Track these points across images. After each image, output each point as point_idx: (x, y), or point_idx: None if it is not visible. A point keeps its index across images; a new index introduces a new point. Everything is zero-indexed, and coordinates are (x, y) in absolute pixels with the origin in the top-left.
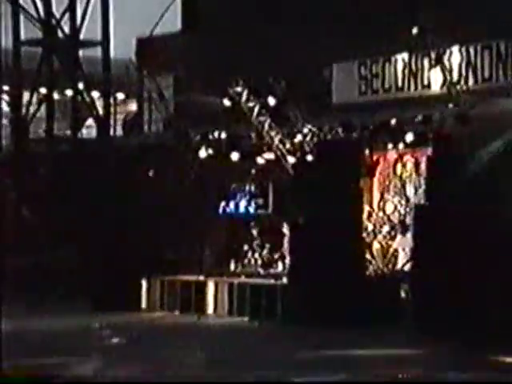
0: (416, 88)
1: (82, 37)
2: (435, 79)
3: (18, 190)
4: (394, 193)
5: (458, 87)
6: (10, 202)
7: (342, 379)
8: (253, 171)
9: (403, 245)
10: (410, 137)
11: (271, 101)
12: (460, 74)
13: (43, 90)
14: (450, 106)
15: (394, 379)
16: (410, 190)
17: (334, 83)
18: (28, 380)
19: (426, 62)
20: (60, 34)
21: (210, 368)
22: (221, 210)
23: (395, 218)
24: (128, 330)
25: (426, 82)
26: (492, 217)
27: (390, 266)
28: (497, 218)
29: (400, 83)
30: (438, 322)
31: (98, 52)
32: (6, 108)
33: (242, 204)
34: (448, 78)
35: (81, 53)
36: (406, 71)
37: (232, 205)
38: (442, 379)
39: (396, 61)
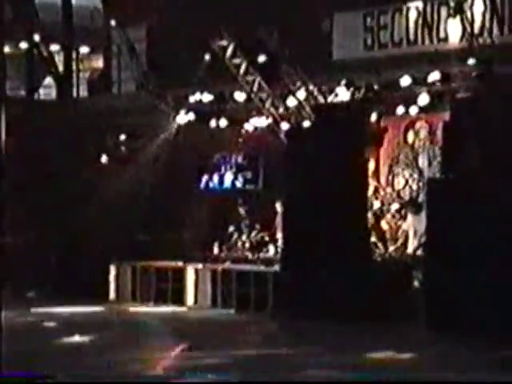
0: (431, 42)
1: None
2: (454, 31)
3: None
4: (404, 165)
5: (481, 40)
6: None
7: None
8: (240, 139)
9: (415, 226)
10: (423, 99)
11: (261, 57)
12: (483, 26)
13: None
14: (471, 62)
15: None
16: (423, 162)
17: (334, 36)
18: (23, 380)
19: (443, 11)
20: None
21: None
22: (203, 185)
23: (406, 195)
24: (92, 324)
25: (442, 35)
26: None
27: (401, 250)
28: None
29: (412, 36)
30: (455, 316)
31: None
32: None
33: (228, 178)
34: (469, 29)
35: None
36: (420, 22)
37: (216, 178)
38: (442, 379)
39: (408, 10)
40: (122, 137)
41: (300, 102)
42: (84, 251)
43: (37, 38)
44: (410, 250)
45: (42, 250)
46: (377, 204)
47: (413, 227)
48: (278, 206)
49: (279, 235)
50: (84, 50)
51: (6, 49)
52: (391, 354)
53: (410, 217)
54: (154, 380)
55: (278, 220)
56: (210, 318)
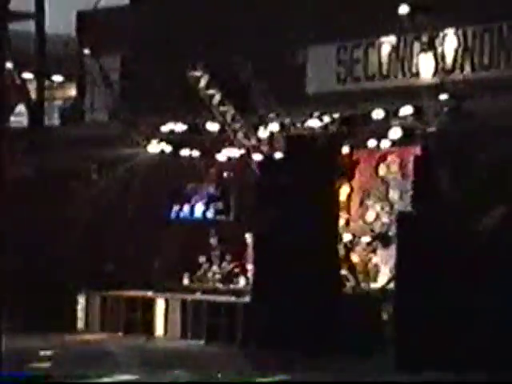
0: (404, 76)
1: (11, 7)
2: (426, 66)
3: None
4: (375, 198)
5: (453, 76)
6: None
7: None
8: (212, 170)
9: (386, 259)
10: (395, 132)
11: (235, 88)
12: (455, 61)
13: None
14: (443, 97)
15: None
16: (394, 195)
17: (308, 69)
18: (23, 380)
19: (415, 47)
20: None
21: None
22: (173, 215)
23: (377, 228)
24: (59, 354)
25: (415, 70)
26: (487, 229)
27: (371, 283)
28: (493, 230)
29: (385, 70)
30: (426, 351)
31: (31, 26)
32: None
33: (199, 208)
34: (441, 64)
35: (10, 26)
36: (393, 57)
37: (187, 208)
38: (440, 379)
39: (381, 44)
40: (94, 165)
41: (273, 134)
42: (53, 280)
43: (9, 65)
44: (380, 283)
45: (8, 277)
46: (347, 236)
47: (384, 261)
48: (248, 238)
49: (249, 266)
50: (57, 78)
51: None
52: None
53: (380, 250)
54: (154, 380)
55: (248, 251)
56: (179, 349)
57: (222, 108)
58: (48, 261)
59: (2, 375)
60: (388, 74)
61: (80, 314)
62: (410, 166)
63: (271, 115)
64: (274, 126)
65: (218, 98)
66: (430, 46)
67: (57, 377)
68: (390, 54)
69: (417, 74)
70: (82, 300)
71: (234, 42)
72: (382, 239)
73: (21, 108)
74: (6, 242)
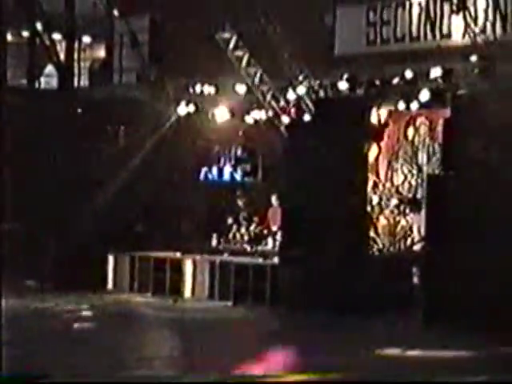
0: (434, 37)
1: None
2: (457, 27)
3: None
4: (403, 160)
5: (484, 37)
6: None
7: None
8: (240, 132)
9: (414, 221)
10: (424, 95)
11: (263, 50)
12: (486, 22)
13: None
14: (473, 58)
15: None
16: (422, 158)
17: (337, 31)
18: (23, 380)
19: (446, 7)
20: None
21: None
22: (202, 177)
23: (405, 190)
24: (87, 315)
25: (445, 31)
26: None
27: (399, 245)
28: None
29: (415, 32)
30: (454, 312)
31: None
32: None
33: (227, 170)
34: (472, 26)
35: None
36: (423, 17)
37: (215, 170)
38: (442, 380)
39: (411, 5)
40: (122, 127)
41: (301, 96)
42: (82, 240)
43: (39, 26)
44: (407, 245)
45: (40, 238)
46: (375, 199)
47: (416, 224)
48: (274, 199)
49: (274, 228)
50: (86, 39)
51: (8, 37)
52: (394, 351)
53: (408, 213)
54: (154, 380)
55: (272, 212)
56: (207, 310)
57: (250, 70)
58: (78, 222)
59: (1, 375)
60: (418, 36)
61: (109, 274)
62: (439, 128)
63: (300, 77)
64: (302, 88)
65: (246, 59)
66: (461, 7)
67: (58, 377)
68: (419, 15)
69: (447, 36)
70: (111, 260)
71: (263, 3)
72: (410, 202)
73: (50, 69)
74: (35, 204)
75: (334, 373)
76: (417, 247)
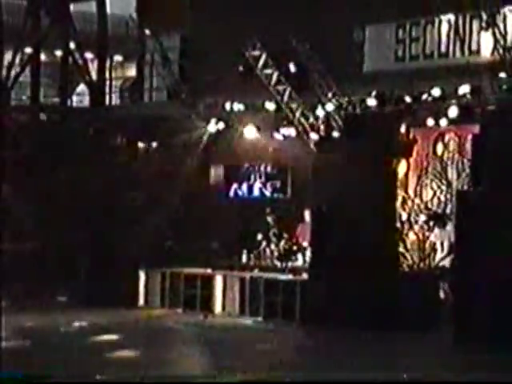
0: (463, 54)
1: None
2: (486, 44)
3: None
4: (433, 176)
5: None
6: None
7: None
8: (270, 149)
9: (443, 237)
10: (453, 111)
11: (292, 67)
12: None
13: (28, 50)
14: (502, 75)
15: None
16: (452, 174)
17: (366, 48)
18: (23, 380)
19: (475, 24)
20: None
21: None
22: (232, 193)
23: (434, 206)
24: (121, 330)
25: (474, 48)
26: None
27: (428, 261)
28: None
29: (444, 48)
30: (483, 328)
31: (92, 6)
32: None
33: (257, 186)
34: (501, 42)
35: (72, 7)
36: (452, 34)
37: (245, 187)
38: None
39: (440, 22)
40: (154, 144)
41: (330, 113)
42: (113, 256)
43: (72, 45)
44: (437, 261)
45: (70, 254)
46: (405, 215)
47: (439, 239)
48: (306, 216)
49: (304, 244)
50: (118, 58)
51: (42, 56)
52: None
53: (436, 230)
54: (154, 380)
55: (307, 229)
56: (237, 326)
57: (279, 87)
58: (110, 237)
59: (1, 375)
60: (447, 52)
61: (140, 289)
62: (468, 144)
63: (328, 94)
64: (331, 105)
65: (275, 77)
66: (490, 24)
67: (57, 377)
68: (448, 32)
69: (476, 52)
70: (142, 276)
71: (292, 21)
72: (440, 217)
73: (82, 87)
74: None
75: (335, 373)
76: (445, 262)
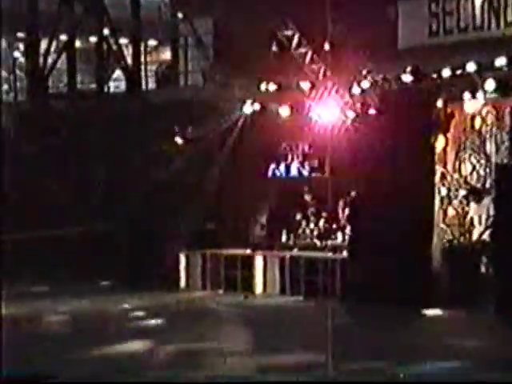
0: (498, 26)
1: None
2: None
3: (36, 154)
4: (471, 151)
5: None
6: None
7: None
8: (306, 128)
9: (481, 211)
10: (490, 84)
11: (326, 46)
12: None
13: (63, 37)
14: None
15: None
16: (490, 148)
17: (399, 23)
18: (23, 380)
19: None
20: None
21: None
22: (270, 173)
23: (473, 180)
24: (163, 312)
25: (510, 19)
26: None
27: (468, 235)
28: None
29: (479, 21)
30: None
31: None
32: (21, 58)
33: (294, 166)
34: None
35: None
36: (486, 6)
37: (282, 167)
38: (445, 379)
39: None
40: (190, 127)
41: (366, 90)
42: (153, 239)
43: (106, 31)
44: (476, 235)
45: (112, 239)
46: (444, 190)
47: (477, 214)
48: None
49: (346, 223)
50: (152, 42)
51: (77, 43)
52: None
53: (473, 204)
54: (155, 379)
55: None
56: (279, 305)
57: (313, 66)
58: (150, 221)
59: (1, 375)
60: (481, 25)
61: (181, 272)
62: (507, 117)
63: (363, 71)
64: (367, 82)
65: (309, 56)
66: None
67: (59, 377)
68: (482, 4)
69: (511, 24)
70: (183, 259)
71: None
72: (478, 192)
73: (118, 73)
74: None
75: (336, 373)
76: (484, 236)
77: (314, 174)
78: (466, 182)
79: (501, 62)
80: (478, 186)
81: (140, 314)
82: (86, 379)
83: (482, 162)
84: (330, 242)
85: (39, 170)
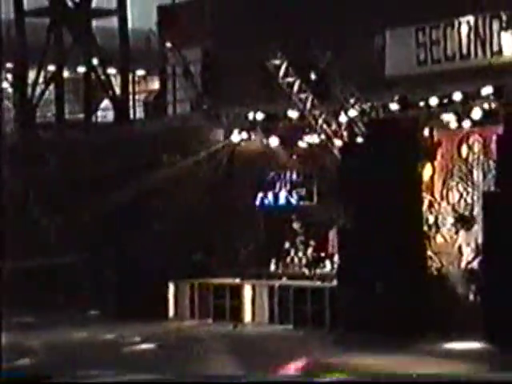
0: (484, 55)
1: (94, 4)
2: (507, 44)
3: (23, 184)
4: (459, 179)
5: None
6: (14, 197)
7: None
8: (294, 157)
9: (470, 239)
10: (477, 113)
11: (314, 75)
12: None
13: (51, 68)
14: None
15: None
16: (478, 176)
17: (387, 52)
18: (23, 380)
19: (495, 25)
20: (69, 2)
21: None
22: (258, 202)
23: (461, 208)
24: (154, 341)
25: (495, 49)
26: None
27: (456, 263)
28: None
29: (465, 50)
30: None
31: (113, 22)
32: (9, 88)
33: (283, 195)
34: None
35: (94, 23)
36: (472, 36)
37: (271, 196)
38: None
39: (460, 24)
40: (178, 156)
41: (353, 119)
42: (142, 269)
43: (95, 61)
44: (464, 263)
45: (99, 269)
46: (431, 218)
47: (465, 242)
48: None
49: (335, 251)
50: (140, 72)
51: (65, 73)
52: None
53: (462, 232)
54: (155, 379)
55: (334, 236)
56: (268, 334)
57: (301, 95)
58: (138, 250)
59: (1, 375)
60: (468, 54)
61: (170, 301)
62: (493, 145)
63: (351, 100)
64: (354, 111)
65: (297, 85)
66: (510, 24)
67: (58, 377)
68: (469, 34)
69: (498, 53)
70: (171, 288)
71: (312, 28)
72: (467, 220)
73: (106, 103)
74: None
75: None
76: (473, 264)
77: (302, 203)
78: (453, 209)
79: (487, 90)
80: (466, 213)
81: (127, 343)
82: (85, 379)
83: (469, 190)
84: (318, 271)
85: (26, 198)
